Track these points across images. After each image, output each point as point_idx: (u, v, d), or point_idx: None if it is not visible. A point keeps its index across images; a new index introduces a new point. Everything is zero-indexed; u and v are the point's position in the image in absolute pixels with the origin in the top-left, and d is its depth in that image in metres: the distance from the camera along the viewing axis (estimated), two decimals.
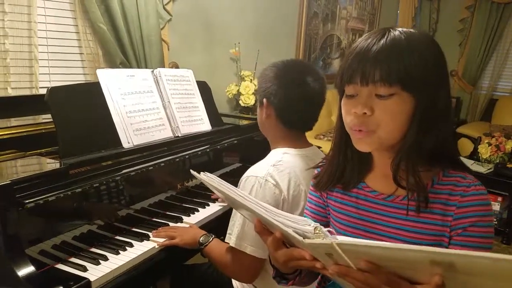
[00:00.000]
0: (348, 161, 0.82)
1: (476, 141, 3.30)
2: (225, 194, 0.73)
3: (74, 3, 2.02)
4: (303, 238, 0.61)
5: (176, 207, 1.45)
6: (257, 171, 1.09)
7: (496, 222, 2.83)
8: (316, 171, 0.91)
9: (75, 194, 1.09)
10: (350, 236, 0.81)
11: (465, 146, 3.86)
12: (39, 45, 1.91)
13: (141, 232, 1.24)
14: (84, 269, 1.03)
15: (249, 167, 1.13)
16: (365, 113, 0.70)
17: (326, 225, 0.89)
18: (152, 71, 1.52)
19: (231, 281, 1.23)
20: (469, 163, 3.02)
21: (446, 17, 4.74)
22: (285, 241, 0.70)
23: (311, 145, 1.24)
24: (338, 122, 0.81)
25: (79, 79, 2.14)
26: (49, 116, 1.25)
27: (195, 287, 1.39)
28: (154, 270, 1.17)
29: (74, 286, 0.93)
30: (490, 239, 0.72)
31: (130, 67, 2.16)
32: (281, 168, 1.09)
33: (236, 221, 1.06)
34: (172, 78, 1.57)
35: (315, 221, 0.69)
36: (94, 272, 1.02)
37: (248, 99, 2.67)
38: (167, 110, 1.51)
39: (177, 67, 2.43)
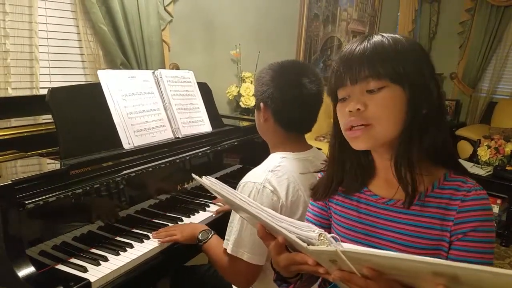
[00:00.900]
0: (346, 172, 0.82)
1: (476, 144, 3.31)
2: (227, 199, 0.72)
3: (75, 3, 2.02)
4: (307, 245, 0.61)
5: (176, 208, 1.45)
6: (255, 177, 1.07)
7: (495, 225, 2.83)
8: (320, 175, 0.91)
9: (76, 194, 1.09)
10: (351, 239, 0.82)
11: (465, 148, 3.87)
12: (39, 45, 1.91)
13: (141, 233, 1.24)
14: (85, 269, 1.03)
15: (249, 168, 1.13)
16: (359, 109, 0.72)
17: (328, 230, 0.89)
18: (153, 72, 1.52)
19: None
20: (468, 165, 3.03)
21: (446, 19, 4.75)
22: (287, 245, 0.70)
23: (311, 147, 1.24)
24: (332, 133, 0.82)
25: (80, 79, 2.14)
26: (49, 116, 1.25)
27: None
28: (154, 271, 1.17)
29: (74, 287, 0.93)
30: (491, 244, 0.72)
31: (131, 68, 2.17)
32: (279, 173, 1.08)
33: (234, 227, 1.06)
34: (173, 79, 1.58)
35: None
36: (94, 273, 1.02)
37: (248, 101, 2.68)
38: (168, 111, 1.51)
39: (177, 68, 2.44)
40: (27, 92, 1.90)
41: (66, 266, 1.05)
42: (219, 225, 1.35)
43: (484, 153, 3.05)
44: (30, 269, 0.93)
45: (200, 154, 1.54)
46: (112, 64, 2.14)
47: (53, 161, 1.18)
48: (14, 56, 1.83)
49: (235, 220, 1.06)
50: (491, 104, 4.55)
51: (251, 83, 2.72)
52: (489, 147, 3.05)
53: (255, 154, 1.38)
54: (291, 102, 1.12)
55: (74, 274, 1.01)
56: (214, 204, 1.51)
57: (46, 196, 1.02)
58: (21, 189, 0.98)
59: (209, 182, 0.74)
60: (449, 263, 0.47)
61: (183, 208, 1.46)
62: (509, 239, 2.80)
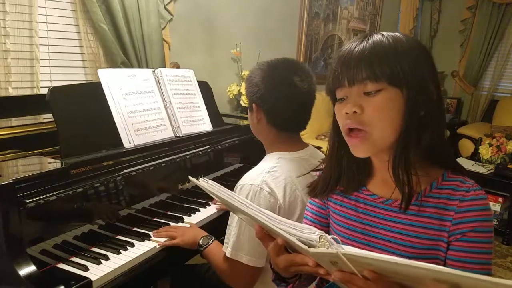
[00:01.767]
0: (344, 171, 0.82)
1: (477, 142, 3.30)
2: (225, 201, 0.71)
3: (75, 3, 2.02)
4: (308, 247, 0.60)
5: (177, 207, 1.45)
6: (251, 179, 1.07)
7: (496, 223, 2.83)
8: (318, 173, 0.91)
9: (76, 193, 1.09)
10: (349, 238, 0.82)
11: (466, 147, 3.86)
12: (40, 45, 1.91)
13: (142, 232, 1.25)
14: (86, 268, 1.03)
15: (250, 167, 1.13)
16: (355, 112, 0.71)
17: (327, 229, 0.89)
18: (153, 71, 1.52)
19: None
20: (469, 164, 3.02)
21: (448, 17, 4.74)
22: (286, 246, 0.70)
23: (307, 145, 1.22)
24: (331, 131, 0.82)
25: (80, 79, 2.14)
26: (50, 115, 1.26)
27: (196, 287, 1.39)
28: (155, 270, 1.17)
29: (76, 286, 0.93)
30: (489, 244, 0.72)
31: (131, 67, 2.17)
32: (276, 174, 1.07)
33: (232, 230, 1.06)
34: (173, 78, 1.57)
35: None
36: (95, 272, 1.02)
37: None
38: (168, 110, 1.51)
39: (178, 67, 2.43)
40: (27, 92, 1.90)
41: (67, 265, 1.05)
42: (219, 225, 1.36)
43: (485, 151, 3.04)
44: (31, 268, 0.93)
45: (200, 153, 1.54)
46: (113, 63, 2.14)
47: (53, 160, 1.18)
48: (14, 55, 1.84)
49: (233, 223, 1.06)
50: (493, 102, 4.54)
51: None
52: (490, 145, 3.04)
53: (256, 153, 1.38)
54: (283, 102, 1.11)
55: (75, 273, 1.01)
56: (214, 204, 1.51)
57: (47, 195, 1.02)
58: (21, 188, 0.98)
59: (207, 184, 0.74)
60: (451, 271, 0.47)
61: (183, 207, 1.47)
62: (510, 238, 2.79)
